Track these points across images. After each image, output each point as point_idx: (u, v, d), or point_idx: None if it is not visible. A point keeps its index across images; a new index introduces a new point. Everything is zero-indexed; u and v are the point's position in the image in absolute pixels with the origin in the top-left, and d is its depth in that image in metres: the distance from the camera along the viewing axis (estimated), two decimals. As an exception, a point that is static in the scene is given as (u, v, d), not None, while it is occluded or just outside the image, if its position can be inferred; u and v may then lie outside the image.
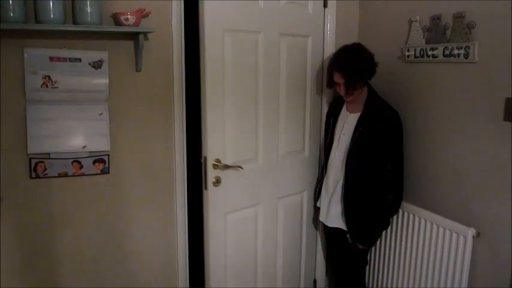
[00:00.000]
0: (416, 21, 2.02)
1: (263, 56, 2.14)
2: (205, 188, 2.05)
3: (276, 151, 2.29)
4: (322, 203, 2.29)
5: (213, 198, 2.06)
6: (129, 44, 2.06)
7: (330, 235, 2.42)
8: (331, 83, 2.13)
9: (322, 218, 2.29)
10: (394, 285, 2.21)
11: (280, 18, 2.19)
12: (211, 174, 2.02)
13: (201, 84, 1.96)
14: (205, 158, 2.01)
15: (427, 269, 1.99)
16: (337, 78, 2.04)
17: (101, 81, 2.03)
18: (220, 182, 2.05)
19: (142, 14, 1.98)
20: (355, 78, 2.02)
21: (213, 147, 2.01)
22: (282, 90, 2.26)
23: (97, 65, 2.01)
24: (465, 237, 1.79)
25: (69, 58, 1.97)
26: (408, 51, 2.07)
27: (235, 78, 2.06)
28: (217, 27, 1.94)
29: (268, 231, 2.34)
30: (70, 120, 2.02)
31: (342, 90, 2.06)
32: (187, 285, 2.40)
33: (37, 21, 1.83)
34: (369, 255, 2.35)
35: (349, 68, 2.01)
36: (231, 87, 2.05)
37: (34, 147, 1.97)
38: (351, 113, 2.15)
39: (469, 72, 1.79)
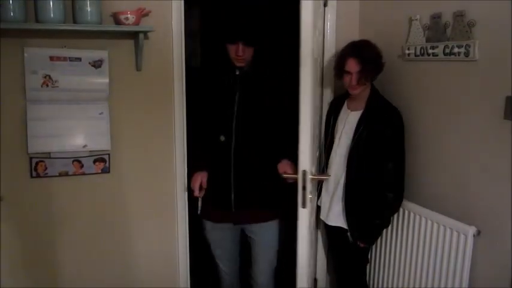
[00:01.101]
0: (416, 19, 2.02)
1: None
2: (303, 206, 1.71)
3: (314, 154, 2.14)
4: (323, 201, 2.29)
5: (310, 216, 1.78)
6: (129, 43, 2.06)
7: (331, 234, 2.41)
8: (340, 74, 2.11)
9: (323, 216, 2.29)
10: (394, 284, 2.21)
11: (317, 16, 2.14)
12: (309, 189, 1.72)
13: (300, 87, 1.64)
14: (304, 172, 1.68)
15: (428, 268, 1.98)
16: (351, 66, 2.01)
17: (101, 80, 2.03)
18: (311, 196, 1.77)
19: (143, 13, 1.98)
20: (370, 67, 2.01)
21: (309, 158, 1.72)
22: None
23: (97, 64, 2.01)
24: (466, 236, 1.78)
25: (69, 57, 1.97)
26: (408, 49, 2.07)
27: (313, 77, 1.80)
28: (311, 24, 1.67)
29: (310, 237, 2.26)
30: (70, 119, 2.02)
31: (353, 80, 2.03)
32: (188, 285, 2.40)
33: (37, 21, 1.84)
34: (369, 254, 2.35)
35: (366, 56, 2.00)
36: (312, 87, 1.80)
37: (34, 147, 1.98)
38: (352, 110, 2.15)
39: (469, 70, 1.78)
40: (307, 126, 1.66)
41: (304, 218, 1.74)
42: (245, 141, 2.00)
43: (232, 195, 2.04)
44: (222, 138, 2.01)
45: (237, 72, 2.00)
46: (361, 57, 1.99)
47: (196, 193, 2.04)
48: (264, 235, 2.15)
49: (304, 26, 1.60)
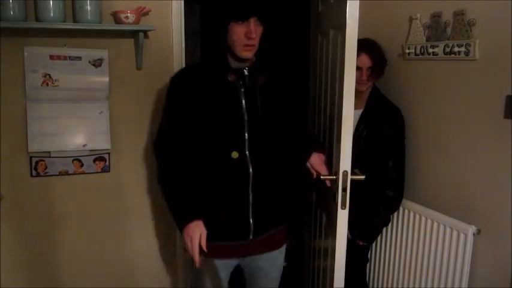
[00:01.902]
0: (416, 18, 2.02)
1: None
2: (344, 207, 1.64)
3: None
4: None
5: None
6: (129, 42, 2.06)
7: (331, 233, 2.42)
8: None
9: (322, 216, 2.30)
10: (394, 283, 2.21)
11: None
12: (349, 190, 1.64)
13: (344, 88, 1.57)
14: (345, 173, 1.61)
15: (428, 267, 1.99)
16: (363, 61, 2.00)
17: (101, 79, 2.03)
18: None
19: (142, 12, 1.99)
20: (380, 64, 2.03)
21: (350, 158, 1.62)
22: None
23: (97, 63, 2.01)
24: (466, 235, 1.78)
25: (69, 56, 1.98)
26: (409, 48, 2.07)
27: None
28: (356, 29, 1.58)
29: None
30: (70, 118, 2.02)
31: (363, 75, 2.02)
32: (188, 285, 2.41)
33: (37, 20, 1.84)
34: (369, 253, 2.35)
35: (376, 52, 2.02)
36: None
37: (35, 146, 1.98)
38: (352, 109, 2.15)
39: (469, 69, 1.78)
40: (349, 126, 1.61)
41: (343, 218, 1.67)
42: (262, 154, 1.62)
43: (251, 221, 1.63)
44: (235, 154, 1.57)
45: (246, 72, 1.59)
46: (372, 53, 2.01)
47: (197, 258, 1.44)
48: (274, 264, 1.81)
49: (349, 29, 1.53)
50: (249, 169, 1.59)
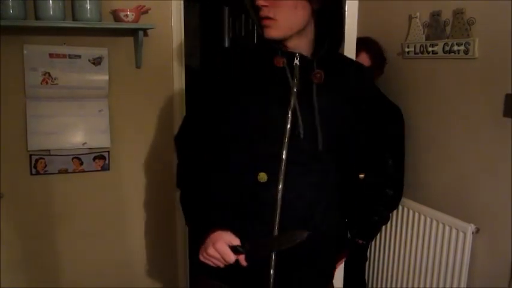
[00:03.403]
0: (416, 17, 2.02)
1: None
2: None
3: None
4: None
5: None
6: (129, 41, 2.06)
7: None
8: None
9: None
10: (393, 282, 2.21)
11: None
12: None
13: None
14: None
15: (427, 265, 1.99)
16: (363, 60, 2.01)
17: (100, 77, 2.03)
18: None
19: (142, 11, 1.98)
20: (379, 62, 2.04)
21: None
22: None
23: (97, 61, 2.01)
24: (465, 233, 1.79)
25: (68, 55, 1.98)
26: (408, 47, 2.07)
27: None
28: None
29: None
30: (70, 116, 2.02)
31: None
32: (188, 285, 2.41)
33: (37, 18, 1.84)
34: (368, 252, 2.35)
35: (375, 51, 2.03)
36: None
37: (34, 144, 1.98)
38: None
39: (469, 68, 1.78)
40: None
41: None
42: (300, 181, 1.13)
43: (272, 273, 1.12)
44: (263, 177, 1.10)
45: (297, 60, 1.10)
46: (371, 52, 2.01)
47: (231, 256, 1.07)
48: None
49: (348, 29, 1.58)
50: (278, 199, 1.10)
